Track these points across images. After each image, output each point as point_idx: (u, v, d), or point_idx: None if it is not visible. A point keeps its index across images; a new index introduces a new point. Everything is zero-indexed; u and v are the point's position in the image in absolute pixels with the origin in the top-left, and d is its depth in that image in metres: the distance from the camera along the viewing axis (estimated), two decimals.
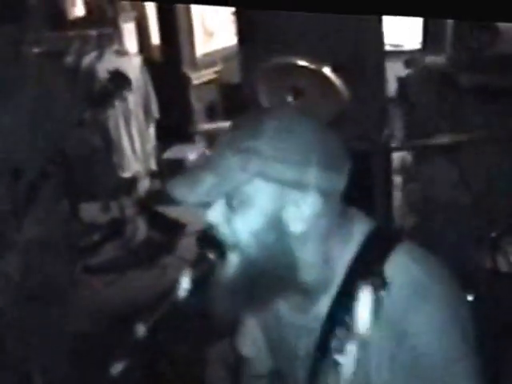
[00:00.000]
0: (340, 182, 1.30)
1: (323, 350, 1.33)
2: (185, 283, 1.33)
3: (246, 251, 1.29)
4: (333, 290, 1.33)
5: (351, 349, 1.29)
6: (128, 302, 4.40)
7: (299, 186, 1.25)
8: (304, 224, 1.28)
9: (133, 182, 5.43)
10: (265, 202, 1.26)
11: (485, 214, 2.88)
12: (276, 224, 1.27)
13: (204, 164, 1.31)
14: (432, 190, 3.51)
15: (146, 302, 4.34)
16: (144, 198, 5.50)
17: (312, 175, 1.25)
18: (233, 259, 1.30)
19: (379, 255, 1.30)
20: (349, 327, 1.29)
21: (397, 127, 4.33)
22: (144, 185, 5.55)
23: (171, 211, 5.32)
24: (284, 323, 1.42)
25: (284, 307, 1.40)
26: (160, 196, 5.69)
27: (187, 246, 4.83)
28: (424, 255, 1.34)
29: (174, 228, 5.16)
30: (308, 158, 1.25)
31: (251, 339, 1.55)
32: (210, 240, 1.31)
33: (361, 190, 1.38)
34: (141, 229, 5.26)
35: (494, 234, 2.78)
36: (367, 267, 1.30)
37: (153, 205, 5.45)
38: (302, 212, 1.27)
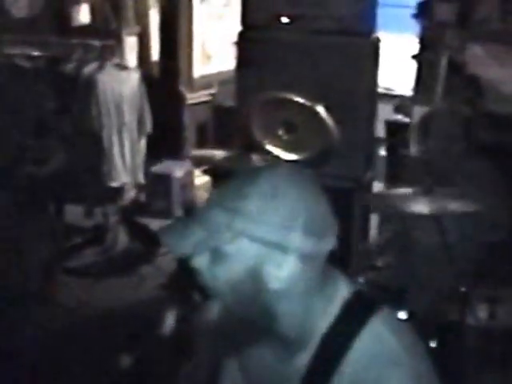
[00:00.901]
0: (324, 247, 1.34)
1: None
2: (170, 320, 1.40)
3: (226, 300, 1.36)
4: (311, 349, 1.36)
5: None
6: (103, 307, 4.48)
7: (281, 247, 1.29)
8: (282, 283, 1.31)
9: (119, 191, 5.48)
10: (246, 259, 1.31)
11: (456, 268, 2.93)
12: (255, 280, 1.31)
13: (195, 217, 1.35)
14: (408, 238, 3.59)
15: (120, 309, 4.44)
16: (128, 209, 5.57)
17: (295, 239, 1.29)
18: (214, 304, 1.38)
19: (357, 321, 1.35)
20: None
21: (380, 170, 4.45)
22: (129, 196, 5.61)
23: (153, 224, 5.42)
24: (264, 368, 1.44)
25: (266, 352, 1.42)
26: (144, 208, 5.80)
27: (166, 258, 4.93)
28: (399, 325, 1.40)
29: (155, 240, 5.22)
30: (292, 222, 1.29)
31: (231, 381, 1.54)
32: (195, 282, 1.37)
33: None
34: (122, 238, 5.33)
35: (463, 289, 2.81)
36: (344, 332, 1.34)
37: (136, 216, 5.54)
38: (282, 272, 1.31)
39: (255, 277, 1.31)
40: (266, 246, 1.30)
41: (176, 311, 1.40)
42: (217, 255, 1.33)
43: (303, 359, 1.37)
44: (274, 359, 1.41)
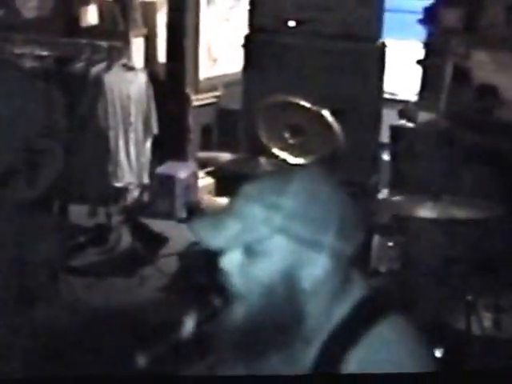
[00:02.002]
0: (351, 249, 1.35)
1: None
2: (188, 324, 1.36)
3: (254, 301, 1.33)
4: (317, 346, 1.36)
5: None
6: (104, 306, 4.49)
7: (316, 246, 1.31)
8: (315, 282, 1.32)
9: (123, 191, 5.50)
10: (281, 257, 1.31)
11: (463, 277, 2.95)
12: (288, 279, 1.31)
13: (229, 210, 1.35)
14: (412, 245, 3.59)
15: (121, 309, 4.45)
16: (131, 209, 5.58)
17: (329, 238, 1.31)
18: (238, 309, 1.34)
19: (366, 323, 1.35)
20: None
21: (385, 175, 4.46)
22: (133, 196, 5.63)
23: (156, 225, 5.44)
24: (269, 368, 1.41)
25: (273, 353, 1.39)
26: (147, 209, 5.81)
27: (167, 260, 4.95)
28: (407, 332, 1.39)
29: (157, 241, 5.25)
30: (328, 221, 1.31)
31: None
32: (217, 286, 1.35)
33: None
34: (124, 238, 5.34)
35: (470, 298, 2.82)
36: (352, 333, 1.34)
37: (139, 216, 5.55)
38: (315, 271, 1.32)
39: (288, 276, 1.31)
40: (302, 244, 1.30)
41: (195, 314, 1.37)
42: (250, 252, 1.32)
43: (309, 357, 1.36)
44: (281, 359, 1.38)
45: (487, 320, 2.90)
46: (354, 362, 1.32)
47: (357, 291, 1.40)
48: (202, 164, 5.81)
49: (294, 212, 1.30)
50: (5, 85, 2.80)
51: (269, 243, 1.31)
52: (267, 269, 1.32)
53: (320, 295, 1.35)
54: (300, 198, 1.32)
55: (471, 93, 4.30)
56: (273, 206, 1.31)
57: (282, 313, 1.32)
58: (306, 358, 1.36)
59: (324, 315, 1.36)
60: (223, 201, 5.73)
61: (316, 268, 1.32)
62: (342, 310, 1.37)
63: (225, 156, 3.79)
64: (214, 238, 1.33)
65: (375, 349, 1.33)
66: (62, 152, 3.01)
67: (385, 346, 1.33)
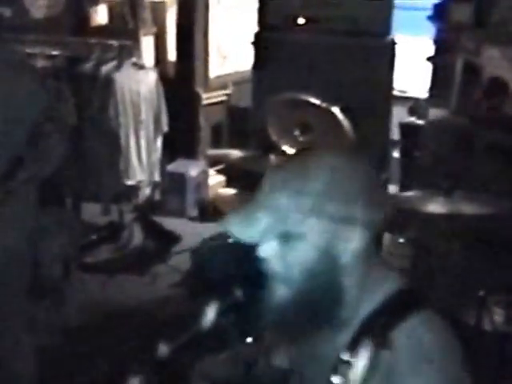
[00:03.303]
0: (380, 216, 1.39)
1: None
2: (210, 314, 1.41)
3: (296, 284, 1.37)
4: (351, 329, 1.39)
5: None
6: (116, 303, 4.51)
7: (348, 220, 1.34)
8: (352, 256, 1.36)
9: (135, 189, 5.53)
10: (316, 238, 1.35)
11: (474, 273, 2.96)
12: (326, 257, 1.35)
13: (257, 204, 1.38)
14: (423, 242, 3.59)
15: (133, 306, 4.47)
16: (143, 207, 5.61)
17: (359, 210, 1.35)
18: (281, 293, 1.38)
19: (399, 314, 1.37)
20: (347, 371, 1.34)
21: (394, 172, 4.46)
22: (145, 194, 5.66)
23: (167, 222, 5.47)
24: (306, 350, 1.47)
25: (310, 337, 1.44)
26: (158, 206, 5.84)
27: (179, 257, 4.97)
28: (439, 326, 1.40)
29: (169, 239, 5.28)
30: (355, 194, 1.35)
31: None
32: (237, 278, 1.42)
33: None
34: (136, 235, 5.36)
35: (481, 293, 2.85)
36: (384, 321, 1.36)
37: (151, 214, 5.58)
38: (351, 244, 1.36)
39: (326, 254, 1.35)
40: (334, 221, 1.34)
41: (216, 306, 1.41)
42: (286, 239, 1.36)
43: (342, 340, 1.39)
44: (316, 341, 1.43)
45: (499, 316, 2.90)
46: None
47: (392, 282, 1.43)
48: (213, 162, 5.83)
49: (321, 193, 1.34)
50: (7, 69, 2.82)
51: (302, 227, 1.35)
52: (305, 251, 1.36)
53: (359, 269, 1.38)
54: (324, 178, 1.35)
55: (482, 89, 4.29)
56: (299, 192, 1.34)
57: (325, 292, 1.37)
58: (344, 337, 1.39)
59: (362, 296, 1.39)
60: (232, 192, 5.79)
61: (352, 242, 1.36)
62: (375, 296, 1.40)
63: (235, 153, 3.80)
64: (248, 234, 1.38)
65: (405, 339, 1.34)
66: (65, 138, 3.02)
67: (415, 338, 1.35)
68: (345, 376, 1.34)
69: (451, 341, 1.40)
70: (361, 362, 1.34)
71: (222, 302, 1.42)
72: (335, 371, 1.35)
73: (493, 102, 3.97)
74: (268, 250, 1.38)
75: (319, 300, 1.37)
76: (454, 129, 3.89)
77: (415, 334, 1.36)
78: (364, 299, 1.40)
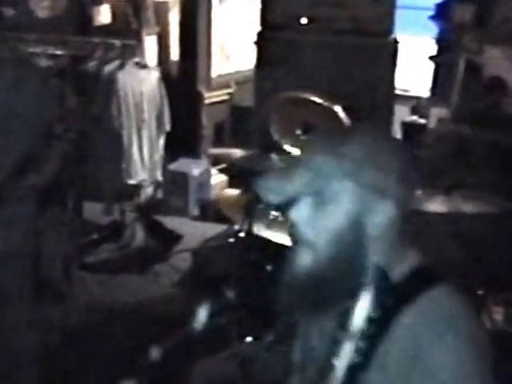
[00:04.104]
0: (411, 197, 1.42)
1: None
2: (201, 316, 1.42)
3: (323, 249, 1.38)
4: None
5: (346, 352, 1.39)
6: (117, 303, 4.51)
7: (382, 192, 1.37)
8: (380, 228, 1.38)
9: (137, 189, 5.53)
10: (349, 204, 1.37)
11: (473, 272, 2.95)
12: (355, 226, 1.37)
13: (294, 164, 1.41)
14: (423, 240, 3.59)
15: (134, 306, 4.48)
16: (145, 206, 5.61)
17: (394, 185, 1.37)
18: (306, 258, 1.39)
19: (418, 288, 1.39)
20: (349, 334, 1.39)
21: None
22: (147, 193, 5.66)
23: (169, 222, 5.47)
24: (321, 332, 1.48)
25: (325, 318, 1.46)
26: (161, 206, 5.85)
27: (181, 256, 4.97)
28: (460, 297, 1.42)
29: (171, 238, 5.28)
30: (390, 168, 1.37)
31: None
32: (229, 279, 1.42)
33: None
34: (138, 235, 5.36)
35: (480, 292, 2.85)
36: (404, 297, 1.38)
37: (153, 214, 5.58)
38: (380, 217, 1.38)
39: (356, 223, 1.37)
40: (368, 189, 1.36)
41: (208, 307, 1.42)
42: (321, 200, 1.37)
43: (357, 317, 1.40)
44: (332, 324, 1.44)
45: (498, 314, 2.91)
46: (405, 326, 1.36)
47: (412, 258, 1.45)
48: (215, 161, 5.84)
49: (361, 159, 1.36)
50: (17, 72, 2.83)
51: (338, 188, 1.36)
52: (336, 216, 1.37)
53: (385, 245, 1.40)
54: (365, 146, 1.38)
55: (483, 89, 4.29)
56: (341, 155, 1.36)
57: (349, 260, 1.38)
58: (356, 313, 1.40)
59: (387, 268, 1.40)
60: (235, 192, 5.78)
61: (382, 214, 1.37)
62: (401, 268, 1.41)
63: (236, 152, 3.81)
64: (280, 191, 1.38)
65: (427, 309, 1.36)
66: (72, 138, 3.04)
67: (438, 307, 1.37)
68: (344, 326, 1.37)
69: (472, 311, 1.42)
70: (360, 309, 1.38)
71: (220, 302, 1.45)
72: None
73: (494, 101, 3.97)
74: (299, 213, 1.40)
75: (343, 268, 1.38)
76: (454, 128, 3.89)
77: (436, 303, 1.37)
78: (389, 274, 1.40)
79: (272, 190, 1.39)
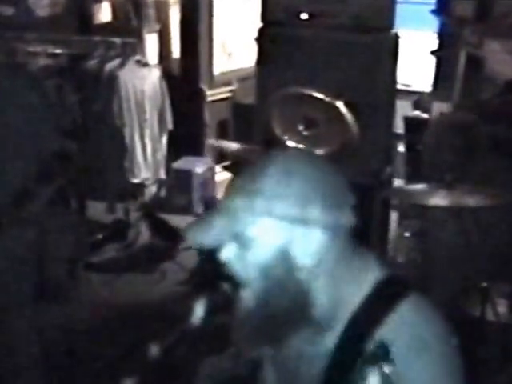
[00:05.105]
0: (344, 219, 1.35)
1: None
2: (199, 311, 1.41)
3: (258, 287, 1.35)
4: (339, 329, 1.37)
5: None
6: (123, 302, 4.53)
7: (303, 221, 1.32)
8: (312, 258, 1.34)
9: (140, 187, 5.54)
10: (272, 239, 1.33)
11: (477, 265, 2.96)
12: (284, 259, 1.33)
13: (217, 210, 1.40)
14: (428, 234, 3.59)
15: (140, 305, 4.49)
16: (149, 204, 5.62)
17: (314, 211, 1.32)
18: (246, 295, 1.37)
19: (387, 303, 1.36)
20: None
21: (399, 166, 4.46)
22: (151, 191, 5.67)
23: (173, 220, 5.47)
24: (291, 350, 1.44)
25: (294, 336, 1.41)
26: (165, 204, 5.85)
27: (186, 254, 4.98)
28: (429, 312, 1.39)
29: (175, 236, 5.28)
30: (309, 195, 1.32)
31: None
32: (224, 273, 1.39)
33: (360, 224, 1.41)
34: (143, 233, 5.38)
35: (484, 284, 2.85)
36: (373, 314, 1.35)
37: (157, 212, 5.59)
38: (309, 246, 1.33)
39: (284, 256, 1.34)
40: (289, 222, 1.32)
41: (205, 302, 1.42)
42: (243, 241, 1.35)
43: (331, 339, 1.38)
44: (302, 341, 1.41)
45: (502, 306, 2.91)
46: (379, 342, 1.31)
47: (375, 271, 1.41)
48: (218, 156, 5.83)
49: (272, 193, 1.33)
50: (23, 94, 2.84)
51: (257, 229, 1.34)
52: (262, 253, 1.35)
53: (325, 272, 1.36)
54: (276, 178, 1.33)
55: (485, 82, 4.29)
56: (251, 192, 1.34)
57: (287, 294, 1.35)
58: (329, 338, 1.38)
59: (337, 294, 1.37)
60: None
61: (309, 243, 1.34)
62: (360, 290, 1.38)
63: (235, 145, 3.82)
64: (203, 238, 1.39)
65: (398, 329, 1.33)
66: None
67: (408, 326, 1.34)
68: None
69: (442, 325, 1.39)
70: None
71: (210, 298, 1.43)
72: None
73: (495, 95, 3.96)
74: (227, 254, 1.38)
75: (284, 302, 1.35)
76: (456, 122, 3.89)
77: (408, 322, 1.34)
78: (346, 296, 1.37)
79: (197, 236, 1.39)
